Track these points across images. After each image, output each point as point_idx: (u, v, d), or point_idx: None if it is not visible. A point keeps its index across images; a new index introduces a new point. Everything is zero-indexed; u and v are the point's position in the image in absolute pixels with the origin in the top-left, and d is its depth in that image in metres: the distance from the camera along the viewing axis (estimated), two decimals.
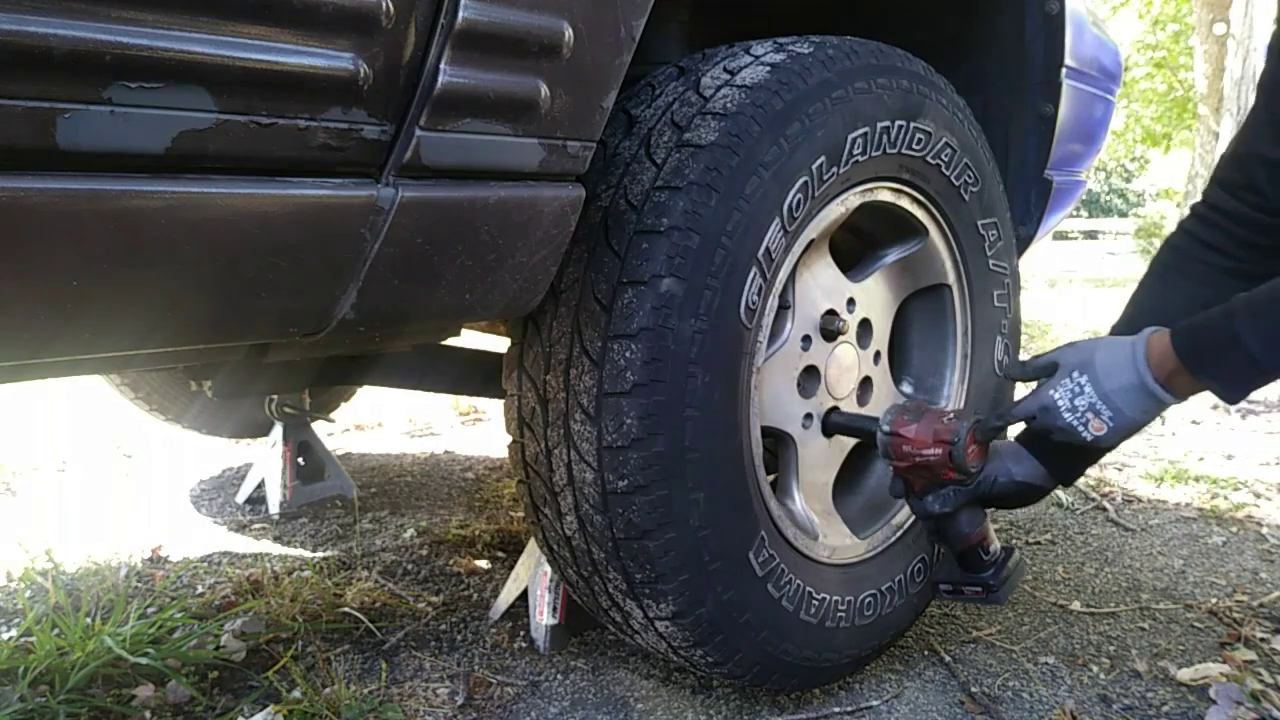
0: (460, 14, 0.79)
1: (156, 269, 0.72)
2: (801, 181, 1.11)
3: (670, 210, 1.02)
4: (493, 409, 3.24)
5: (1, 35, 0.58)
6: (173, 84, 0.66)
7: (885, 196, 1.30)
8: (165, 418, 2.34)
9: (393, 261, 0.84)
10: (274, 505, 2.11)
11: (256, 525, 2.05)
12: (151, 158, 0.67)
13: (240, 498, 2.21)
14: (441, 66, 0.79)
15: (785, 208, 1.10)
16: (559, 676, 1.35)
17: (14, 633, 1.42)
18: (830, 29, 1.51)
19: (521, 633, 1.47)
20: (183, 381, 2.22)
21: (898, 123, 1.23)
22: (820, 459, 1.33)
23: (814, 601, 1.21)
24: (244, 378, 1.58)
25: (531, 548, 1.48)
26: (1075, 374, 1.11)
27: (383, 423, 3.08)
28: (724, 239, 1.04)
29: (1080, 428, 1.11)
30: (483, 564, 1.78)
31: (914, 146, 1.27)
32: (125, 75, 0.63)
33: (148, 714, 1.23)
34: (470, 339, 1.58)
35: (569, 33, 0.87)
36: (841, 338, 1.31)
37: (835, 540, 1.30)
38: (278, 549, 1.90)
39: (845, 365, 1.32)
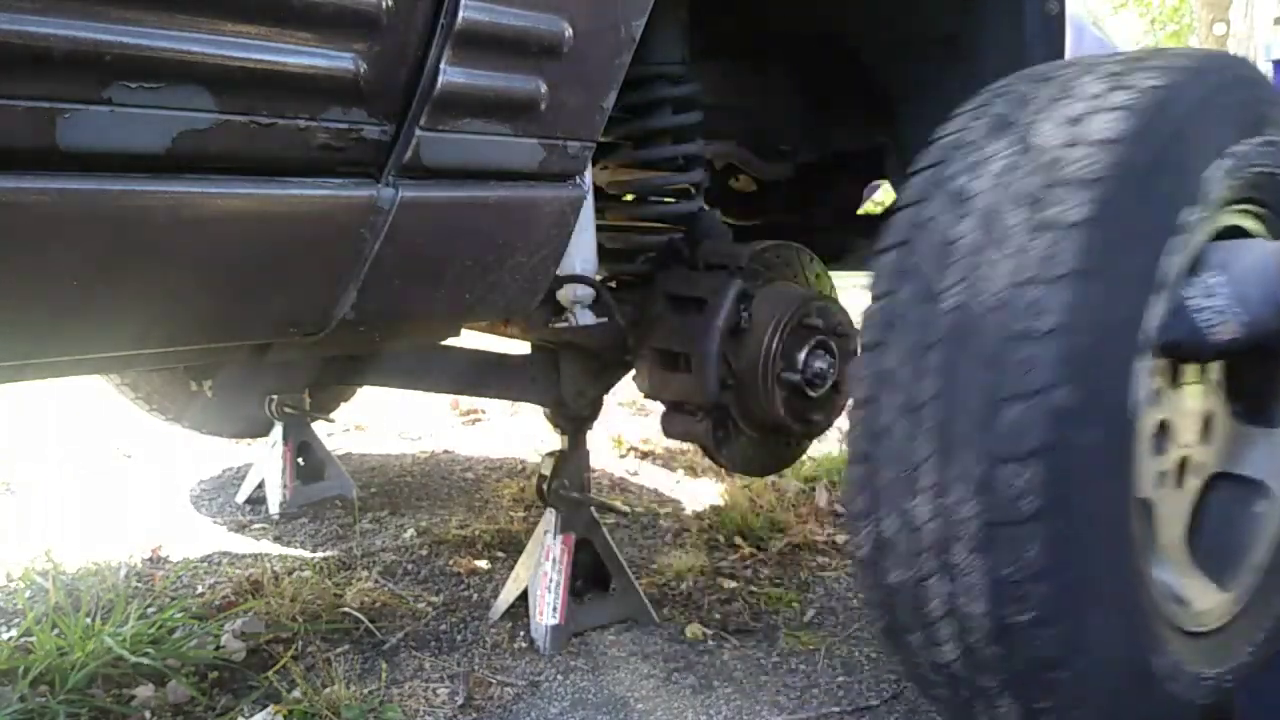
0: (460, 14, 0.79)
1: (157, 269, 0.72)
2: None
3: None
4: (493, 409, 3.23)
5: (1, 35, 0.58)
6: (173, 84, 0.66)
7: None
8: (165, 418, 2.33)
9: (393, 261, 0.84)
10: (274, 505, 2.10)
11: (256, 525, 2.05)
12: (151, 158, 0.67)
13: (240, 498, 2.21)
14: (441, 66, 0.79)
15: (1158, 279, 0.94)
16: (559, 676, 1.35)
17: (14, 633, 1.42)
18: (829, 29, 1.51)
19: (521, 633, 1.47)
20: (183, 381, 2.22)
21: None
22: (1174, 512, 1.12)
23: (1204, 683, 1.06)
24: (244, 378, 1.58)
25: (531, 548, 1.48)
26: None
27: (383, 423, 3.08)
28: (1109, 331, 0.87)
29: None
30: (483, 564, 1.78)
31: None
32: (125, 75, 0.64)
33: (148, 714, 1.23)
34: (470, 339, 1.58)
35: (569, 33, 0.87)
36: (1187, 376, 1.10)
37: (1202, 601, 1.09)
38: (278, 549, 1.90)
39: (1192, 409, 1.11)
